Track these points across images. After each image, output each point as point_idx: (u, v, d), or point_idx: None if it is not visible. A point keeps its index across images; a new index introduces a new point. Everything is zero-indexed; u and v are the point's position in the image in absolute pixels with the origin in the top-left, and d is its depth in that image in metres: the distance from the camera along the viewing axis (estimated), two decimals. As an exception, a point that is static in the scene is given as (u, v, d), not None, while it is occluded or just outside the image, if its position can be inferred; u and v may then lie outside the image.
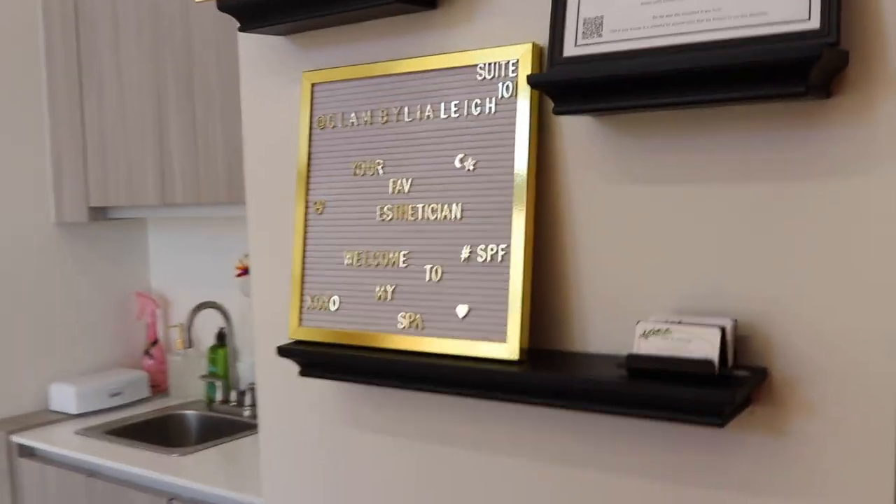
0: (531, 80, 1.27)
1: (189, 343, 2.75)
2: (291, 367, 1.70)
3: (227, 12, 1.59)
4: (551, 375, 1.29)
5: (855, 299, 1.15)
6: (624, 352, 1.33)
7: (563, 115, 1.27)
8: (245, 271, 2.81)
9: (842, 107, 1.15)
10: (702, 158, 1.25)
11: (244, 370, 2.91)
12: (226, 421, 2.76)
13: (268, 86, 1.69)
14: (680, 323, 1.23)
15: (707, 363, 1.18)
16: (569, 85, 1.25)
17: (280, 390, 1.72)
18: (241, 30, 1.60)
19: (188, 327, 2.75)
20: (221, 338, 2.91)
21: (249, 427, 2.64)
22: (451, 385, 1.39)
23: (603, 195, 1.33)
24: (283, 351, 1.56)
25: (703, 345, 1.20)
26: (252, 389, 2.78)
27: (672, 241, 1.28)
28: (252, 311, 1.76)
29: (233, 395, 2.84)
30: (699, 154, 1.25)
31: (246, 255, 2.85)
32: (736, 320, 1.22)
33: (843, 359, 1.16)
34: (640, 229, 1.31)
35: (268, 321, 1.73)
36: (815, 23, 1.10)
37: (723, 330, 1.19)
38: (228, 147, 2.46)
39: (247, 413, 2.75)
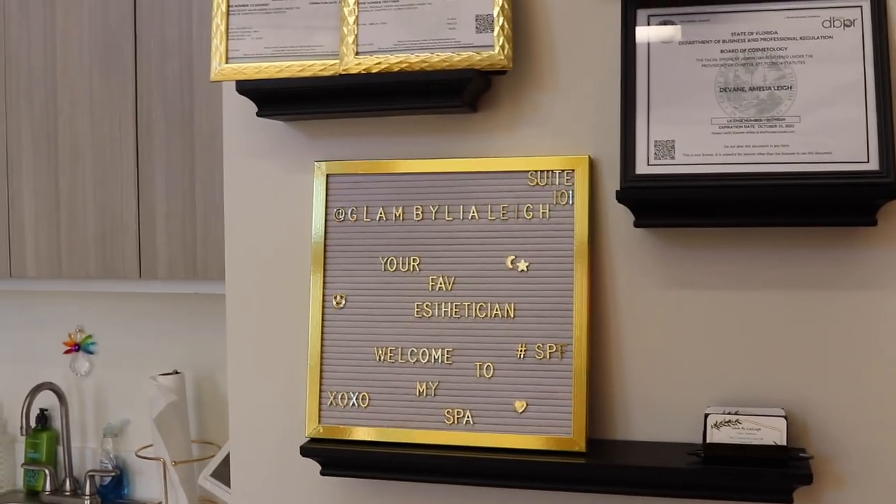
0: (619, 194, 1.38)
1: (27, 429, 2.42)
2: (270, 464, 1.63)
3: (246, 96, 1.53)
4: (629, 464, 1.40)
5: (878, 392, 1.40)
6: (671, 440, 1.47)
7: (643, 227, 1.41)
8: (75, 347, 2.57)
9: (882, 234, 1.39)
10: (746, 270, 1.44)
11: (76, 455, 2.63)
12: (62, 514, 2.49)
13: (264, 169, 1.63)
14: (737, 413, 1.40)
15: (780, 449, 1.36)
16: (652, 201, 1.39)
17: (263, 489, 1.65)
18: (258, 115, 1.54)
19: (25, 411, 2.42)
20: (43, 420, 2.61)
21: (97, 520, 2.41)
22: (514, 479, 1.45)
23: (653, 297, 1.47)
24: (307, 451, 1.51)
25: (771, 433, 1.38)
26: (92, 477, 2.52)
27: (718, 340, 1.45)
28: (231, 406, 1.66)
29: (67, 484, 2.55)
30: (744, 265, 1.44)
31: (78, 330, 2.61)
32: (783, 409, 1.42)
33: (868, 442, 1.40)
34: (686, 329, 1.46)
35: (253, 416, 1.65)
36: (874, 164, 1.34)
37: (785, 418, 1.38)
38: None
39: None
